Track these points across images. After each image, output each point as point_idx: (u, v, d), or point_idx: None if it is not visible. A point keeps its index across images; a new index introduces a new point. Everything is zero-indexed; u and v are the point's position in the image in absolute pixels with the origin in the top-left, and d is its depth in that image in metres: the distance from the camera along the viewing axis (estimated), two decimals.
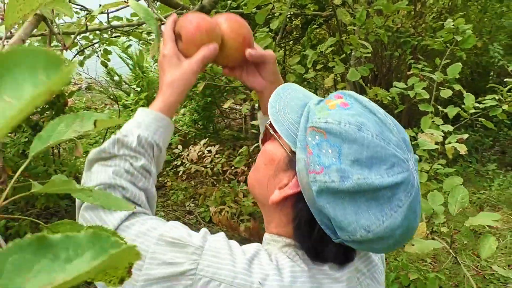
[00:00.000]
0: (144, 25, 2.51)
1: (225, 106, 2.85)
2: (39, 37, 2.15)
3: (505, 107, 2.50)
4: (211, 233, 0.84)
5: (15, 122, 0.24)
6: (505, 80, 2.66)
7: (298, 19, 4.28)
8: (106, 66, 4.77)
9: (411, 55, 4.50)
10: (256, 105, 3.62)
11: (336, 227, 0.76)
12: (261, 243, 0.89)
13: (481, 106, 2.52)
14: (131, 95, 5.57)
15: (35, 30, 1.04)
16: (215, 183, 4.72)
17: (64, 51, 1.01)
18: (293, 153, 0.81)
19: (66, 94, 3.88)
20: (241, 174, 4.53)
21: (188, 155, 4.67)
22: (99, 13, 1.07)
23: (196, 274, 0.73)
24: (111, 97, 5.44)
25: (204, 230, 0.83)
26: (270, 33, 2.82)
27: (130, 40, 3.75)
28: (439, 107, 2.71)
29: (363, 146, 0.72)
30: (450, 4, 5.11)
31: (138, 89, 5.45)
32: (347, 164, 0.72)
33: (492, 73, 6.06)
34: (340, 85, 3.48)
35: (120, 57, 5.57)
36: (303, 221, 0.81)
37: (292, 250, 0.84)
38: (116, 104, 5.05)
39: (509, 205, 4.25)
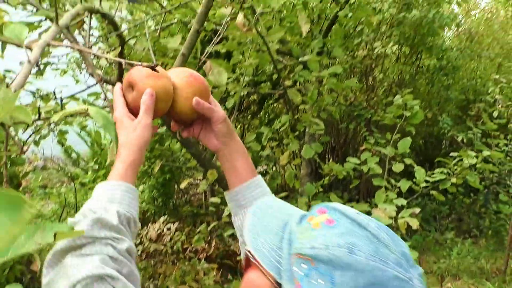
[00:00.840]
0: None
1: (182, 186, 2.82)
2: None
3: (453, 180, 2.58)
4: None
5: None
6: (450, 155, 2.76)
7: (255, 95, 4.39)
8: (62, 145, 4.72)
9: (366, 128, 4.65)
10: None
11: None
12: None
13: (431, 179, 2.59)
14: (89, 173, 5.48)
15: None
16: (175, 261, 4.58)
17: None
18: (280, 284, 0.69)
19: (20, 175, 3.77)
20: (202, 252, 4.42)
21: (147, 233, 4.55)
22: (59, 118, 1.06)
23: None
24: (68, 175, 5.33)
25: None
26: (225, 111, 2.88)
27: (87, 120, 3.75)
28: (392, 180, 2.76)
29: (358, 272, 0.62)
30: (399, 78, 5.37)
31: (96, 166, 5.37)
32: None
33: (444, 142, 6.29)
34: (296, 161, 3.53)
35: (78, 135, 5.52)
36: None
37: None
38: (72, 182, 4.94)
39: (469, 274, 4.28)
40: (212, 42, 1.99)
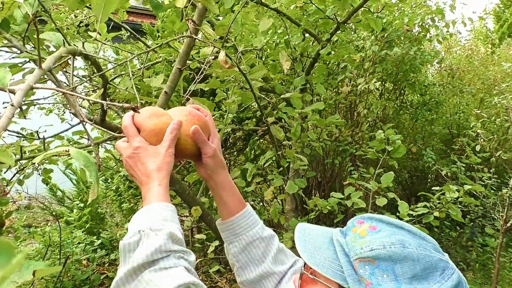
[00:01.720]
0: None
1: None
2: None
3: (436, 213, 2.60)
4: None
5: None
6: (432, 188, 2.79)
7: (241, 131, 4.42)
8: (47, 183, 4.68)
9: (351, 162, 4.69)
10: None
11: None
12: None
13: (414, 213, 2.61)
14: (74, 211, 5.42)
15: None
16: None
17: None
18: None
19: (3, 214, 3.72)
20: None
21: None
22: (41, 159, 1.07)
23: None
24: (53, 213, 5.27)
25: None
26: None
27: (72, 159, 3.73)
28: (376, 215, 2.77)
29: (414, 261, 0.75)
30: (383, 113, 5.44)
31: (82, 204, 5.32)
32: (406, 283, 0.74)
33: (430, 176, 6.33)
34: (281, 196, 3.54)
35: (63, 173, 5.49)
36: None
37: None
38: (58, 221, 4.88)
39: None
40: (194, 81, 2.03)
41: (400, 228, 0.83)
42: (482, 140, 4.68)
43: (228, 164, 4.61)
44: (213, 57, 2.26)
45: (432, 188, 2.84)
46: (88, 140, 2.10)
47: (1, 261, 0.27)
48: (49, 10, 1.65)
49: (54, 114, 4.44)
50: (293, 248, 0.99)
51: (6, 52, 1.89)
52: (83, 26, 3.17)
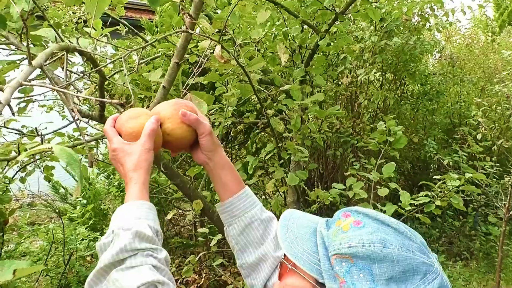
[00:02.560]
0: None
1: (168, 217, 2.81)
2: None
3: (438, 202, 2.59)
4: None
5: None
6: (434, 177, 2.79)
7: (242, 125, 4.42)
8: (49, 181, 4.69)
9: (352, 154, 4.68)
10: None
11: None
12: None
13: (416, 203, 2.61)
14: (77, 207, 5.43)
15: None
16: None
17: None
18: (320, 284, 0.80)
19: (6, 212, 3.74)
20: (192, 283, 4.37)
21: None
22: (25, 156, 1.07)
23: None
24: (57, 211, 5.29)
25: None
26: None
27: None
28: (378, 205, 2.78)
29: (393, 262, 0.72)
30: (384, 103, 5.43)
31: (84, 201, 5.33)
32: (383, 284, 0.72)
33: (432, 166, 6.32)
34: (282, 188, 3.54)
35: (66, 170, 5.49)
36: None
37: None
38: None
39: None
40: (192, 74, 2.03)
41: (386, 225, 0.80)
42: (483, 128, 4.67)
43: (230, 158, 4.61)
44: (211, 51, 2.26)
45: (434, 177, 2.83)
46: (80, 136, 2.11)
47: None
48: (42, 7, 1.64)
49: (55, 112, 4.44)
50: None
51: (4, 49, 1.89)
52: (81, 22, 3.16)
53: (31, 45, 1.88)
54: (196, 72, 2.04)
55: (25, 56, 1.80)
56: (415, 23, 4.85)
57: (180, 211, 5.01)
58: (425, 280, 0.72)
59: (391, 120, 3.10)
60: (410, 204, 2.63)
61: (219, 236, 2.86)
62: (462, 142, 5.11)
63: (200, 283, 4.20)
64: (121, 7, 3.06)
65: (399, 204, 2.63)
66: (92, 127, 1.54)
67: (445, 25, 4.74)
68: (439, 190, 2.69)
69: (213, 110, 2.94)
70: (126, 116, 1.02)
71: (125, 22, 3.24)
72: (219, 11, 3.53)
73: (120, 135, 1.01)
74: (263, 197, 4.52)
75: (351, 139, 4.57)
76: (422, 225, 5.56)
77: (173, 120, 1.04)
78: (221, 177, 1.13)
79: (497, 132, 5.07)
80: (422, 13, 4.58)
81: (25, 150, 2.18)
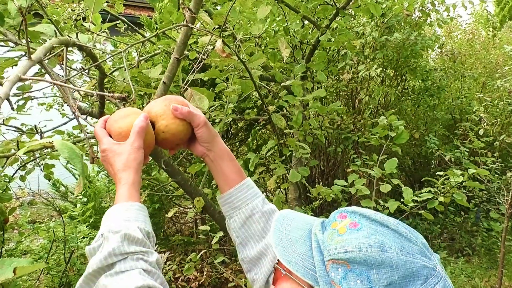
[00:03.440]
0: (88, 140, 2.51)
1: (169, 215, 2.80)
2: None
3: (441, 199, 2.58)
4: None
5: None
6: (436, 174, 2.77)
7: (242, 121, 4.40)
8: (49, 179, 4.67)
9: (354, 150, 4.66)
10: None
11: None
12: None
13: (419, 199, 2.59)
14: (78, 205, 5.42)
15: None
16: None
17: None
18: None
19: (7, 211, 3.72)
20: (194, 280, 4.36)
21: None
22: (24, 152, 1.05)
23: None
24: (57, 209, 5.27)
25: None
26: None
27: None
28: (380, 201, 2.76)
29: (392, 267, 0.68)
30: (385, 99, 5.41)
31: (85, 199, 5.32)
32: None
33: (433, 162, 6.31)
34: (284, 185, 3.52)
35: (66, 168, 5.48)
36: None
37: None
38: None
39: None
40: (192, 70, 2.01)
41: (384, 226, 0.75)
42: (485, 124, 4.65)
43: None
44: (212, 47, 2.24)
45: (436, 173, 2.82)
46: (81, 132, 2.09)
47: None
48: (41, 2, 1.62)
49: (55, 109, 4.42)
50: None
51: (2, 46, 1.87)
52: (80, 20, 3.14)
53: (30, 42, 1.86)
54: (197, 68, 2.02)
55: (23, 53, 1.78)
56: (416, 18, 4.82)
57: (181, 208, 5.00)
58: (427, 285, 0.68)
59: (392, 115, 3.09)
60: (413, 201, 2.62)
61: (221, 234, 2.85)
62: (464, 137, 5.09)
63: (202, 281, 4.19)
64: (120, 4, 3.04)
65: (402, 200, 2.61)
66: (91, 125, 1.52)
67: (446, 20, 4.71)
68: (442, 186, 2.67)
69: (213, 107, 2.92)
70: (116, 116, 1.01)
71: (124, 19, 3.22)
72: (219, 7, 3.51)
73: (110, 136, 0.99)
74: (265, 194, 4.50)
75: (352, 135, 4.55)
76: (424, 221, 5.55)
77: (166, 116, 1.02)
78: (222, 167, 1.11)
79: (498, 128, 5.06)
80: (423, 8, 4.56)
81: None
